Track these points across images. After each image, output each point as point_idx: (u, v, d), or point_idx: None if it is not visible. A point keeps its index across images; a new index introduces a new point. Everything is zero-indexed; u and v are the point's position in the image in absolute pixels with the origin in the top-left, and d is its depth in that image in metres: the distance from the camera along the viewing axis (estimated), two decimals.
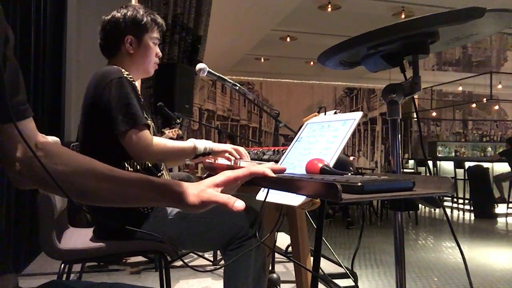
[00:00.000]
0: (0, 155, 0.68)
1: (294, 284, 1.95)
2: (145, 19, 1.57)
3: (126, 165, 1.49)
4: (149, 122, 1.52)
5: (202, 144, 1.51)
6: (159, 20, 1.63)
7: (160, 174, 1.58)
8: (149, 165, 1.54)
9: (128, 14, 1.56)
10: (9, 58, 0.64)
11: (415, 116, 10.70)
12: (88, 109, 1.50)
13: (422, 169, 8.80)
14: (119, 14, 1.56)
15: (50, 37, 3.28)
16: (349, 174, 0.75)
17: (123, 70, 1.48)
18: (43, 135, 0.74)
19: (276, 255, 2.44)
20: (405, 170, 8.14)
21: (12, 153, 0.67)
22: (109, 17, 1.58)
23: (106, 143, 1.44)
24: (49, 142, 0.72)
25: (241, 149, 1.50)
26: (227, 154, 1.49)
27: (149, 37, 1.59)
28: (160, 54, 1.66)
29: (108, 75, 1.45)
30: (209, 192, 0.66)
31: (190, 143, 1.50)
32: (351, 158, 9.67)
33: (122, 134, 1.40)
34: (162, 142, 1.46)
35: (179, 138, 2.80)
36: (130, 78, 1.49)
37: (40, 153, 0.67)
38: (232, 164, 1.45)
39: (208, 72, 1.83)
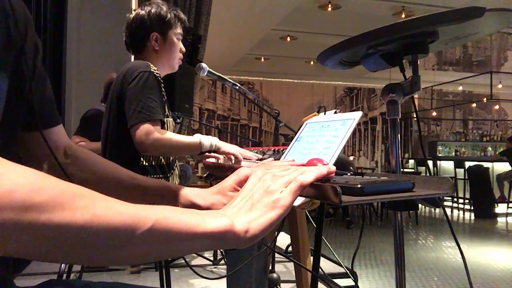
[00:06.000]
0: (32, 162, 0.68)
1: (294, 284, 1.95)
2: (169, 15, 1.60)
3: (142, 159, 1.52)
4: (168, 119, 1.54)
5: (208, 141, 1.47)
6: (182, 16, 1.66)
7: (169, 174, 1.61)
8: (163, 162, 1.57)
9: (153, 11, 1.59)
10: (38, 68, 0.66)
11: (415, 115, 10.69)
12: (115, 99, 1.51)
13: (422, 168, 8.79)
14: (143, 12, 1.59)
15: (50, 37, 3.27)
16: (349, 174, 0.75)
17: (151, 65, 1.50)
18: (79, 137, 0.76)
19: (276, 255, 2.44)
20: (405, 170, 8.14)
21: (42, 159, 0.68)
22: (133, 14, 1.61)
23: (128, 135, 1.44)
24: (78, 148, 0.75)
25: (249, 154, 1.44)
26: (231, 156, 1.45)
27: (173, 33, 1.62)
28: (184, 49, 1.68)
29: (136, 68, 1.47)
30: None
31: (196, 138, 1.47)
32: (351, 158, 9.68)
33: (132, 126, 1.40)
34: (167, 137, 1.41)
35: None
36: (157, 73, 1.50)
37: (69, 160, 0.70)
38: (233, 163, 1.44)
39: (208, 71, 1.83)
